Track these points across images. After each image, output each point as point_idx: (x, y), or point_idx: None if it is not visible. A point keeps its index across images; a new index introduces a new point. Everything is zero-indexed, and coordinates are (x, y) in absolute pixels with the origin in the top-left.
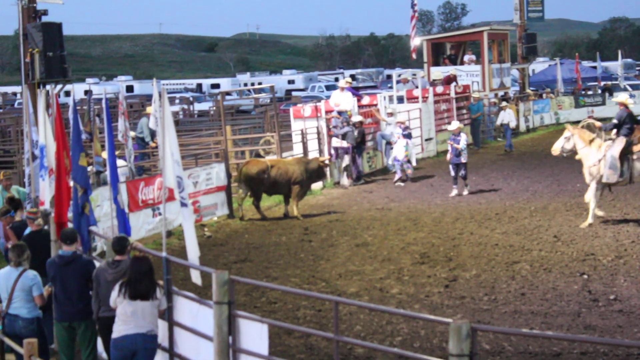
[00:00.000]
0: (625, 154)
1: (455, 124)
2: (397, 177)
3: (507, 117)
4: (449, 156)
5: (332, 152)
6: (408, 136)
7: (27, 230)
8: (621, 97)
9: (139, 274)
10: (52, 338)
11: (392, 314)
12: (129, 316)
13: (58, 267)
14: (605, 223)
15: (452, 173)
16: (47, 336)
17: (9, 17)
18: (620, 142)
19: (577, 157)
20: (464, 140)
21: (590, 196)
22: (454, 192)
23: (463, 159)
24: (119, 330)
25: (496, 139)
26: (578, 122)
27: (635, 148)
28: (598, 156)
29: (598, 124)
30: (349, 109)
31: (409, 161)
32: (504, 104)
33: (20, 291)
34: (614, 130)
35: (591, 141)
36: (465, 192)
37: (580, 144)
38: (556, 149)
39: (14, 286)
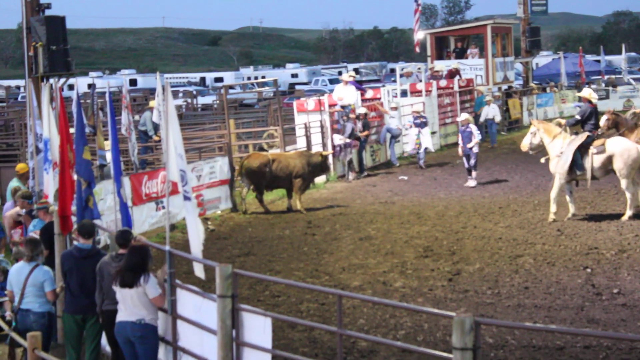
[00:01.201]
0: (586, 149)
1: (464, 115)
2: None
3: (491, 112)
4: (460, 150)
5: (337, 148)
6: (420, 125)
7: (35, 222)
8: (585, 91)
9: (131, 263)
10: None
11: (396, 307)
12: (121, 303)
13: (76, 260)
14: (609, 218)
15: (466, 165)
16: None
17: (12, 11)
18: (581, 137)
19: (542, 160)
20: (476, 131)
21: (568, 190)
22: (470, 182)
23: (475, 149)
24: (117, 317)
25: (499, 133)
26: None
27: (597, 142)
28: (560, 150)
29: (563, 121)
30: (352, 102)
31: (420, 150)
32: (488, 98)
33: (32, 286)
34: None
35: (556, 136)
36: (473, 184)
37: (547, 139)
38: (525, 145)
39: (26, 281)
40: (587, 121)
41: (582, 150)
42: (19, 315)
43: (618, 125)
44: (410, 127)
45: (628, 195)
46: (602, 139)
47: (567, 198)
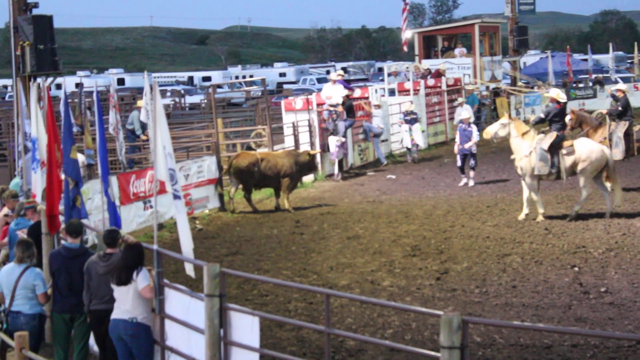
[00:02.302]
0: (556, 149)
1: (466, 114)
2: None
3: (464, 113)
4: (456, 147)
5: (336, 149)
6: (411, 122)
7: (18, 220)
8: (552, 92)
9: (127, 260)
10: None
11: (384, 306)
12: (117, 301)
13: (64, 260)
14: (598, 217)
15: (459, 163)
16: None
17: None
18: (551, 136)
19: (512, 157)
20: (475, 131)
21: (528, 191)
22: (463, 181)
23: (473, 149)
24: (112, 315)
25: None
26: None
27: (566, 143)
28: (529, 149)
29: (531, 117)
30: (340, 102)
31: (416, 145)
32: (460, 99)
33: (22, 289)
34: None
35: (525, 134)
36: (472, 183)
37: (514, 134)
38: (489, 132)
39: (17, 284)
40: (554, 121)
41: (552, 150)
42: (10, 317)
43: (582, 124)
44: (402, 123)
45: (584, 193)
46: (570, 140)
47: (524, 197)
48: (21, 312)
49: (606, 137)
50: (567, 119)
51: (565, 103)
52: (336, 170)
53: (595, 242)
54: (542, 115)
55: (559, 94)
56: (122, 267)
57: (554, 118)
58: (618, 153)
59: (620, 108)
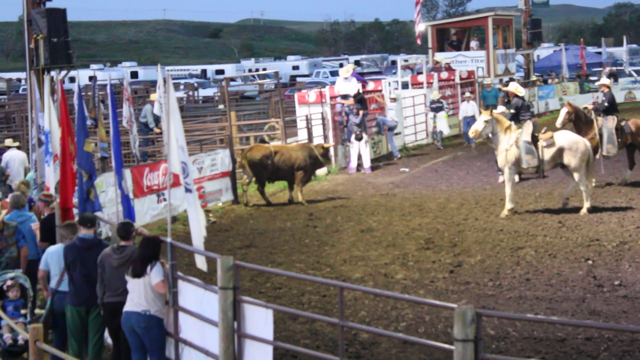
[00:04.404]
0: (535, 141)
1: (471, 110)
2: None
3: (470, 109)
4: None
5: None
6: (436, 109)
7: (20, 214)
8: (511, 86)
9: (144, 254)
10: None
11: (397, 299)
12: (130, 293)
13: (79, 251)
14: (600, 212)
15: None
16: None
17: (13, 3)
18: (528, 126)
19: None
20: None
21: (505, 182)
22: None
23: None
24: (124, 307)
25: None
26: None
27: (545, 135)
28: (509, 143)
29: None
30: (352, 94)
31: (440, 132)
32: (467, 94)
33: None
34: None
35: (507, 128)
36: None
37: (501, 133)
38: (476, 130)
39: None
40: (521, 112)
41: (534, 142)
42: (57, 297)
43: (577, 119)
44: (428, 111)
45: (582, 188)
46: (550, 133)
47: (507, 191)
48: (67, 293)
49: (596, 134)
50: (564, 111)
51: (524, 95)
52: (350, 164)
53: (609, 235)
54: (513, 110)
55: (517, 88)
56: (137, 259)
57: (522, 111)
58: (612, 149)
59: (606, 104)
